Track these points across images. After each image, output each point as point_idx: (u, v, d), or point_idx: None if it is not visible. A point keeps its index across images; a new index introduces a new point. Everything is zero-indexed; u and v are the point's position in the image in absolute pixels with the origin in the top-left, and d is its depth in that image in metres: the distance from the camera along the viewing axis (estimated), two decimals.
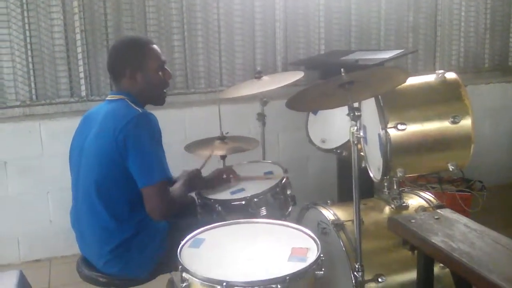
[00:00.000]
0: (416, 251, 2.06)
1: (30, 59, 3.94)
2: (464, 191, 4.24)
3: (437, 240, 1.88)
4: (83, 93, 4.06)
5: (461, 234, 1.93)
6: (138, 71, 2.48)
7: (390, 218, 2.21)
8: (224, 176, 2.95)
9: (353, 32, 4.69)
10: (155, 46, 2.56)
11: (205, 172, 2.90)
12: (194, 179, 2.70)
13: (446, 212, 2.16)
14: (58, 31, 3.97)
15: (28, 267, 3.77)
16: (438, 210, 2.20)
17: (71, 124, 2.73)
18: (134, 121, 2.32)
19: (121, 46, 2.57)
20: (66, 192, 2.59)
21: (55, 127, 3.90)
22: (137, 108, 2.42)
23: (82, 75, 4.03)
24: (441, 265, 2.48)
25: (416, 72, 4.08)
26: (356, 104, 2.24)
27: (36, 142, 3.89)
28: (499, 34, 5.21)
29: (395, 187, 2.84)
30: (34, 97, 4.00)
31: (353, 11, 4.65)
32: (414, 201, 2.87)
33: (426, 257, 2.03)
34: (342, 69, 2.19)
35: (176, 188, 2.51)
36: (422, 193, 2.94)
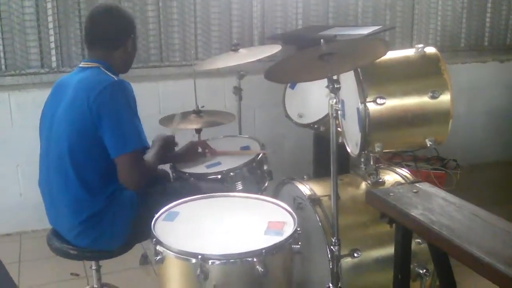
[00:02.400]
0: (394, 225, 2.05)
1: None
2: (439, 169, 4.30)
3: (416, 213, 1.87)
4: (54, 64, 3.95)
5: (440, 207, 1.92)
6: (130, 40, 2.46)
7: (368, 191, 2.19)
8: (199, 149, 2.91)
9: (331, 8, 4.65)
10: None
11: (179, 145, 2.86)
12: (167, 146, 2.66)
13: (425, 186, 2.15)
14: None
15: None
16: (417, 184, 2.19)
17: (41, 96, 2.65)
18: (109, 88, 2.26)
19: (119, 15, 2.48)
20: (36, 165, 2.52)
21: (24, 99, 3.80)
22: (112, 76, 2.35)
23: (53, 45, 3.92)
24: (417, 240, 2.49)
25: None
26: (335, 77, 2.21)
27: (5, 114, 3.79)
28: (476, 14, 5.22)
29: (371, 163, 2.83)
30: (3, 67, 3.89)
31: None
32: (390, 177, 2.86)
33: (404, 230, 2.01)
34: (322, 40, 2.16)
35: (149, 156, 2.46)
36: (398, 169, 2.94)
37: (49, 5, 3.86)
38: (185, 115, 3.10)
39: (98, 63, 2.40)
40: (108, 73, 2.36)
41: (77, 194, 2.30)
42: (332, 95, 2.19)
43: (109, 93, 2.25)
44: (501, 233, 1.73)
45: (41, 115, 2.50)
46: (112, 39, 2.43)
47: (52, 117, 2.39)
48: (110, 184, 2.31)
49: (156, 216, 2.13)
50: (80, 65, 2.46)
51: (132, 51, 2.51)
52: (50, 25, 3.89)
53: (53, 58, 3.94)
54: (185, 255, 1.88)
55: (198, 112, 3.14)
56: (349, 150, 2.77)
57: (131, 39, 2.47)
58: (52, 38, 3.91)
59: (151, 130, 2.68)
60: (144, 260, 3.34)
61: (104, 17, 2.46)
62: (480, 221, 1.80)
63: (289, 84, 3.46)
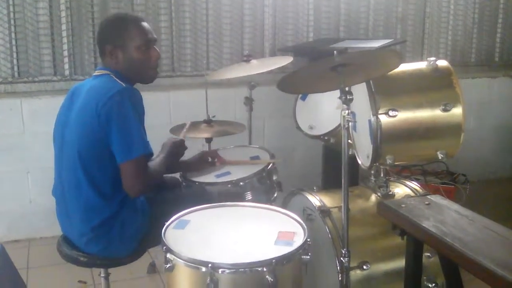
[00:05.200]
0: (405, 236, 2.04)
1: (13, 35, 3.85)
2: (448, 184, 4.26)
3: (428, 224, 1.87)
4: (67, 72, 3.97)
5: (453, 220, 1.91)
6: (118, 48, 2.42)
7: (381, 203, 2.19)
8: (209, 159, 2.91)
9: (342, 21, 4.66)
10: (141, 24, 2.46)
11: (189, 154, 2.86)
12: (177, 150, 2.63)
13: (437, 198, 2.15)
14: (43, 7, 3.89)
15: (7, 247, 3.66)
16: (429, 196, 2.18)
17: (53, 103, 2.67)
18: (117, 95, 2.26)
19: (105, 22, 2.53)
20: (47, 172, 2.53)
21: (37, 105, 3.82)
22: (121, 83, 2.35)
23: (66, 53, 3.95)
24: (427, 254, 2.47)
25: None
26: (347, 88, 2.21)
27: (17, 120, 3.81)
28: (487, 30, 5.22)
29: (381, 175, 2.82)
30: (16, 74, 3.91)
31: None
32: (400, 190, 2.86)
33: (416, 242, 2.01)
34: (335, 51, 2.16)
35: (155, 162, 2.45)
36: (408, 182, 2.93)
37: (63, 14, 3.89)
38: (194, 124, 3.10)
39: (109, 71, 2.42)
40: (118, 81, 2.36)
41: (89, 198, 2.30)
42: (345, 106, 2.19)
43: (117, 100, 2.25)
44: None
45: (55, 122, 2.51)
46: (98, 45, 2.49)
47: (64, 123, 2.40)
48: (122, 190, 2.30)
49: (167, 224, 2.13)
50: (94, 74, 2.49)
51: (124, 60, 2.42)
52: (64, 33, 3.92)
53: (66, 66, 3.96)
54: (195, 264, 1.87)
55: (208, 122, 3.15)
56: (360, 162, 2.76)
57: (117, 47, 2.41)
58: (65, 46, 3.94)
59: (162, 139, 2.68)
60: (152, 268, 3.33)
61: (99, 25, 2.53)
62: (493, 234, 1.80)
63: (300, 96, 3.46)
